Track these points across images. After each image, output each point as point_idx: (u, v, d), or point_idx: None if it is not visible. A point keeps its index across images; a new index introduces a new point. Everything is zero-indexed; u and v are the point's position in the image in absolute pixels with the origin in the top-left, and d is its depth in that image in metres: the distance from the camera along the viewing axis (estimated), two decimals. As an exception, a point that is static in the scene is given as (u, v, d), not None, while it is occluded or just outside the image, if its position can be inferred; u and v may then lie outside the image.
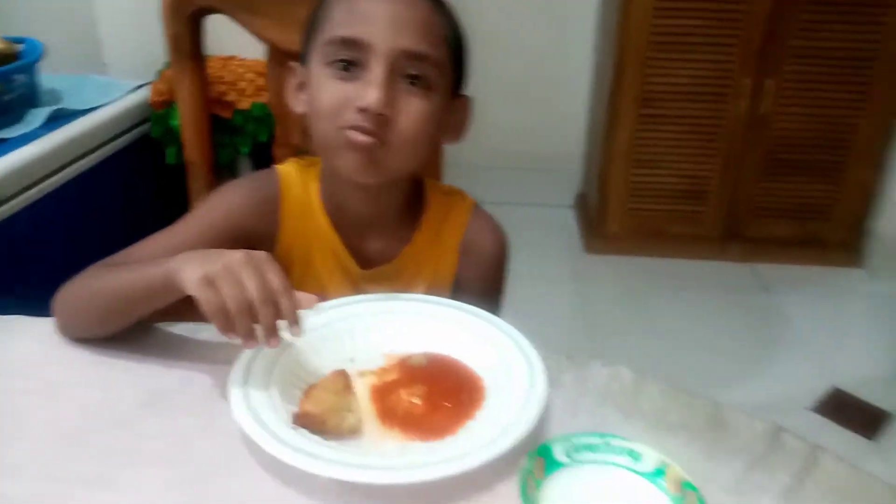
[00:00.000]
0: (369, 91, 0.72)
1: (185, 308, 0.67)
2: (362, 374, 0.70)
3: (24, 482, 0.59)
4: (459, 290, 0.88)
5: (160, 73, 1.85)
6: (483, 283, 0.90)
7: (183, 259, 0.65)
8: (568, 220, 2.77)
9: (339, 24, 0.75)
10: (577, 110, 2.80)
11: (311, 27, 0.79)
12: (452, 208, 0.89)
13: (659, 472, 0.57)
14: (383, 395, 0.67)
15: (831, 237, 2.44)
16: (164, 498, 0.57)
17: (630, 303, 2.32)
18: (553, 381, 0.67)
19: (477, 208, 0.91)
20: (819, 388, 1.93)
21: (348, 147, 0.74)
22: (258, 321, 0.61)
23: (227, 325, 0.61)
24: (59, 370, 0.72)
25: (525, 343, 0.70)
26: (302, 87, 0.81)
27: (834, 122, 2.30)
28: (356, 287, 0.85)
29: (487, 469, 0.56)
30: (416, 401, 0.66)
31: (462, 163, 2.87)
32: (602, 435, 0.59)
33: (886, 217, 2.38)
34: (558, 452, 0.58)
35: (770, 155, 2.35)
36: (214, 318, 0.61)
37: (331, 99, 0.74)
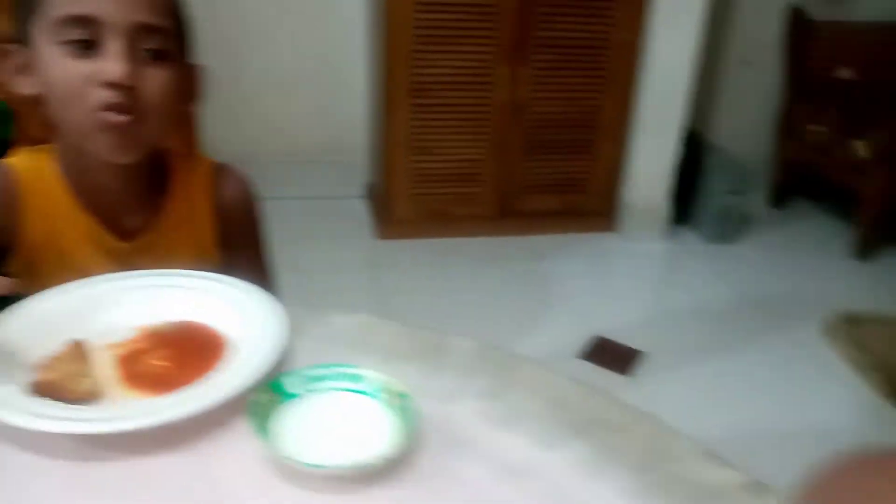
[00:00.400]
0: (113, 65, 0.73)
1: None
2: (111, 346, 0.72)
3: None
4: (228, 249, 0.92)
5: None
6: (244, 238, 0.94)
7: None
8: (359, 210, 2.86)
9: (65, 2, 0.74)
10: (358, 102, 2.89)
11: (24, 4, 0.77)
12: (194, 171, 0.92)
13: (379, 390, 0.66)
14: (129, 362, 0.70)
15: (589, 207, 2.76)
16: None
17: (421, 281, 2.46)
18: (297, 332, 0.73)
19: (217, 165, 0.94)
20: (584, 337, 2.18)
21: (103, 128, 0.75)
22: None
23: None
24: None
25: (268, 300, 0.76)
26: (24, 69, 0.79)
27: (581, 104, 2.60)
28: (123, 263, 0.86)
29: (224, 408, 0.62)
30: (162, 363, 0.70)
31: (246, 158, 2.87)
32: (328, 365, 0.67)
33: (631, 187, 2.73)
34: (289, 385, 0.65)
35: (530, 137, 2.61)
36: None
37: (71, 79, 0.74)
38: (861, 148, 2.62)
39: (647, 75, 2.55)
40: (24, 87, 0.80)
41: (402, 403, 0.64)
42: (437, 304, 2.29)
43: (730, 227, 2.76)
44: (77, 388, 0.63)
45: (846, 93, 2.81)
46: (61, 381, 0.62)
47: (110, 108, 0.74)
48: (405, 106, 2.48)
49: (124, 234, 0.87)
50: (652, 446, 0.64)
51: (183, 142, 0.98)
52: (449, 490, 0.59)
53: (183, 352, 0.72)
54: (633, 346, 2.16)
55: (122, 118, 0.75)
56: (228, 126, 2.75)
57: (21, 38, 0.79)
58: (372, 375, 0.67)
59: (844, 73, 2.88)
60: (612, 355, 2.13)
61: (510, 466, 0.61)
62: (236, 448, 0.61)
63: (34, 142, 1.07)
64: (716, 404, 1.96)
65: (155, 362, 0.70)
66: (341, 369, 0.67)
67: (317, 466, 0.57)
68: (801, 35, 2.88)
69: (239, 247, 0.91)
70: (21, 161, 0.86)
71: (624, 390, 1.99)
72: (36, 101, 0.80)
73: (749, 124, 3.15)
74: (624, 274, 2.61)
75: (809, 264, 2.70)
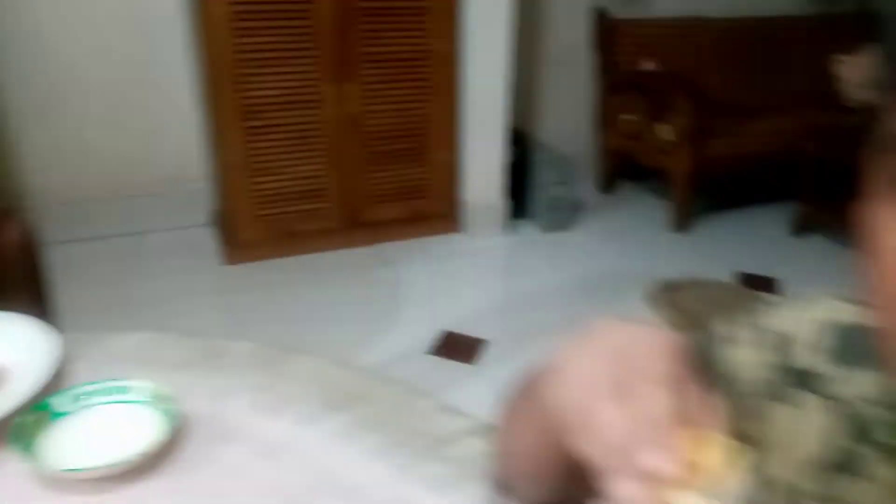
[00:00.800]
0: None
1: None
2: None
3: None
4: (5, 290, 0.93)
5: None
6: (24, 280, 0.96)
7: None
8: (206, 238, 2.84)
9: None
10: (192, 129, 2.87)
11: None
12: None
13: (147, 397, 0.71)
14: None
15: (431, 211, 2.88)
16: None
17: (273, 300, 2.48)
18: (76, 356, 0.77)
19: None
20: (433, 333, 2.29)
21: None
22: None
23: None
24: None
25: (39, 330, 0.79)
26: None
27: (411, 115, 2.72)
28: None
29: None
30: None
31: (82, 197, 2.78)
32: (95, 382, 0.71)
33: (468, 188, 2.88)
34: (58, 405, 0.69)
35: (367, 149, 2.70)
36: None
37: None
38: (665, 131, 2.90)
39: (468, 82, 2.71)
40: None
41: (167, 406, 0.70)
42: (291, 321, 2.33)
43: (562, 216, 2.97)
44: None
45: (650, 83, 3.10)
46: None
47: None
48: (238, 129, 2.51)
49: None
50: (398, 408, 0.73)
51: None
52: (214, 474, 0.66)
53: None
54: (478, 336, 2.29)
55: None
56: (58, 168, 2.67)
57: None
58: (139, 385, 0.72)
59: (648, 65, 3.18)
60: (458, 347, 2.25)
61: (272, 445, 0.69)
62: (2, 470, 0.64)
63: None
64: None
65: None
66: (109, 383, 0.71)
67: (73, 470, 0.62)
68: (606, 34, 3.15)
69: (18, 287, 0.93)
70: None
71: (468, 378, 2.11)
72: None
73: (571, 120, 3.39)
74: (469, 270, 2.75)
75: (635, 241, 2.96)
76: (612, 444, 0.38)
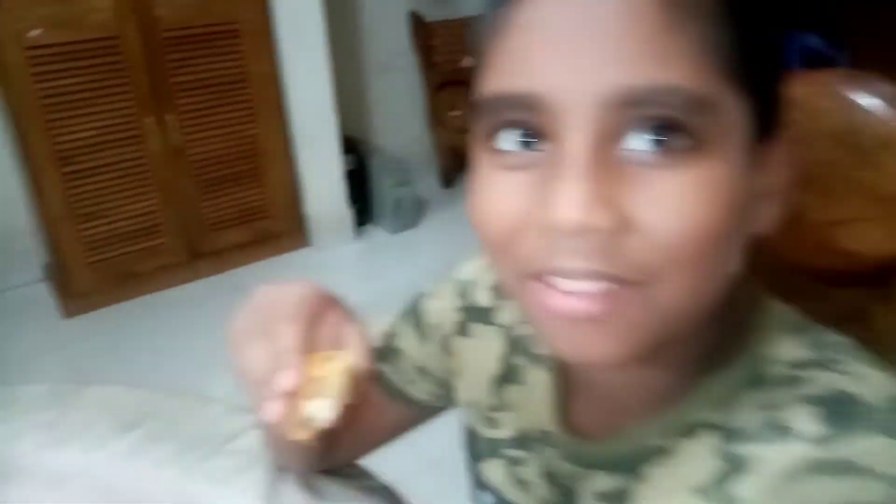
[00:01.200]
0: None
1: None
2: None
3: None
4: None
5: None
6: None
7: None
8: (42, 294, 2.70)
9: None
10: (12, 182, 2.72)
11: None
12: None
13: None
14: None
15: (276, 230, 2.89)
16: None
17: (117, 346, 2.40)
18: None
19: None
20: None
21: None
22: None
23: None
24: None
25: None
26: None
27: (238, 138, 2.71)
28: None
29: None
30: None
31: None
32: None
33: (310, 201, 2.91)
34: None
35: (198, 178, 2.66)
36: None
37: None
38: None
39: (292, 99, 2.74)
40: None
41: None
42: (136, 362, 2.27)
43: (407, 216, 3.06)
44: None
45: (470, 78, 3.24)
46: None
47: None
48: (55, 177, 2.41)
49: None
50: (187, 417, 0.77)
51: None
52: (2, 514, 0.67)
53: None
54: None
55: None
56: None
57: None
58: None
59: (467, 62, 3.33)
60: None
61: (61, 476, 0.71)
62: None
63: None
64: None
65: None
66: None
67: None
68: (423, 36, 3.27)
69: None
70: None
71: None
72: None
73: (406, 122, 3.50)
74: (322, 282, 2.77)
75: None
76: (257, 378, 0.47)
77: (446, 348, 0.62)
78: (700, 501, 0.41)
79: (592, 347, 0.37)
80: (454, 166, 3.47)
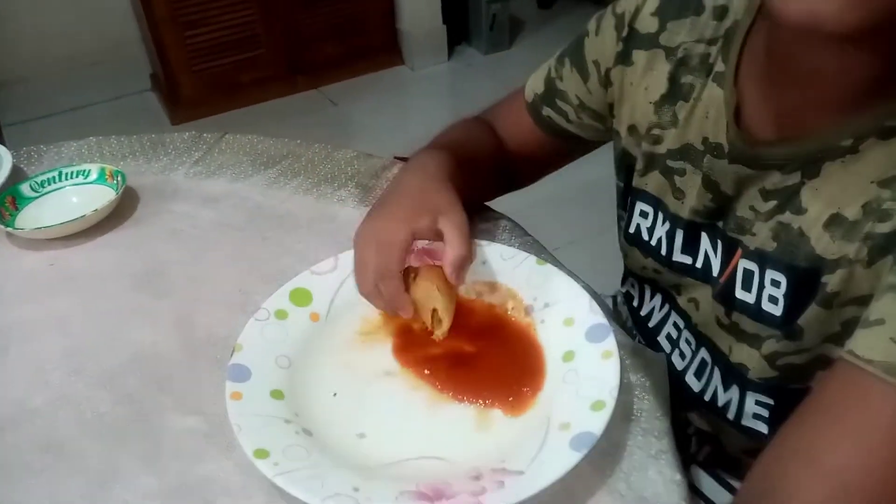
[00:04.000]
0: None
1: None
2: None
3: None
4: None
5: None
6: None
7: None
8: (150, 102, 2.84)
9: None
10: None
11: None
12: None
13: (101, 175, 0.81)
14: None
15: (372, 45, 2.88)
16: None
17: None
18: (31, 162, 0.85)
19: None
20: (384, 161, 2.38)
21: None
22: None
23: None
24: None
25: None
26: None
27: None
28: None
29: None
30: None
31: (16, 77, 2.74)
32: (55, 169, 0.81)
33: (406, 17, 2.86)
34: (25, 190, 0.79)
35: (298, -12, 2.65)
36: None
37: None
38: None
39: None
40: None
41: (119, 179, 0.80)
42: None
43: (502, 35, 2.98)
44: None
45: None
46: None
47: None
48: (161, -20, 2.44)
49: None
50: (322, 157, 0.84)
51: None
52: (166, 220, 0.77)
53: None
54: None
55: None
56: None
57: None
58: (93, 167, 0.81)
59: None
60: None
61: (214, 196, 0.80)
62: None
63: None
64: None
65: None
66: (66, 169, 0.81)
67: (42, 228, 0.73)
68: None
69: None
70: None
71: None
72: None
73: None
74: (414, 100, 2.80)
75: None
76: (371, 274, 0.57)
77: (607, 81, 0.65)
78: (880, 189, 0.44)
79: (825, 5, 0.38)
80: (553, -15, 3.31)
